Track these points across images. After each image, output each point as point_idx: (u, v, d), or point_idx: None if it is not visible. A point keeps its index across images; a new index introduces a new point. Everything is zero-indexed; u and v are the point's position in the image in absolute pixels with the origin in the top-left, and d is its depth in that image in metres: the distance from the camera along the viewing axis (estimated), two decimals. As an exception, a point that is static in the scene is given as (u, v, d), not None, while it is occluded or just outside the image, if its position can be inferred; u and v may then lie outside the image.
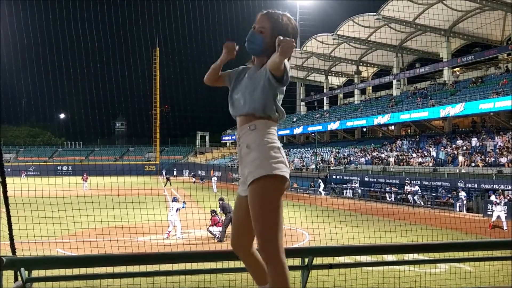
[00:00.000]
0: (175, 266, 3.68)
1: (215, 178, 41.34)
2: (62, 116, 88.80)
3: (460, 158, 29.48)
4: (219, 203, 17.31)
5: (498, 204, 20.06)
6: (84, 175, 39.76)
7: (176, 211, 17.24)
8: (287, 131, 56.76)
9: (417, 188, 29.16)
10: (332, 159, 43.07)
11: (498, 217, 19.68)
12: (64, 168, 64.80)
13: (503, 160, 26.68)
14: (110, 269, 3.51)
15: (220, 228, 16.59)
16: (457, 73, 43.24)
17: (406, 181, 30.07)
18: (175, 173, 59.32)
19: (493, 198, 22.53)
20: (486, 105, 31.09)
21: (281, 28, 2.61)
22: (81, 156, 70.50)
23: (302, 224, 16.91)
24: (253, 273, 2.78)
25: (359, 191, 33.81)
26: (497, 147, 28.72)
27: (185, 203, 18.35)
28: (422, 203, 28.07)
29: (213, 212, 17.01)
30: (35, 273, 3.24)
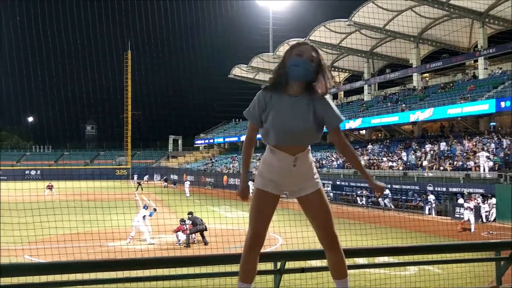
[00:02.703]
0: (146, 272, 3.65)
1: (188, 183, 41.10)
2: (30, 119, 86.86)
3: (425, 163, 30.12)
4: (188, 216, 17.28)
5: (469, 207, 20.63)
6: (50, 183, 37.40)
7: (143, 218, 17.20)
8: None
9: (387, 191, 29.56)
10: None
11: (468, 219, 20.21)
12: (33, 172, 63.27)
13: (470, 164, 27.31)
14: (79, 276, 3.46)
15: (185, 236, 16.81)
16: (426, 79, 44.16)
17: (377, 185, 30.42)
18: (146, 178, 58.55)
19: (461, 201, 23.06)
20: (454, 110, 31.85)
21: (321, 59, 3.22)
22: (50, 160, 68.98)
23: (274, 228, 16.87)
24: (252, 270, 3.11)
25: (331, 194, 34.05)
26: (465, 151, 29.38)
27: (155, 210, 18.22)
28: (393, 207, 28.49)
29: (182, 221, 17.06)
30: (3, 280, 3.16)
